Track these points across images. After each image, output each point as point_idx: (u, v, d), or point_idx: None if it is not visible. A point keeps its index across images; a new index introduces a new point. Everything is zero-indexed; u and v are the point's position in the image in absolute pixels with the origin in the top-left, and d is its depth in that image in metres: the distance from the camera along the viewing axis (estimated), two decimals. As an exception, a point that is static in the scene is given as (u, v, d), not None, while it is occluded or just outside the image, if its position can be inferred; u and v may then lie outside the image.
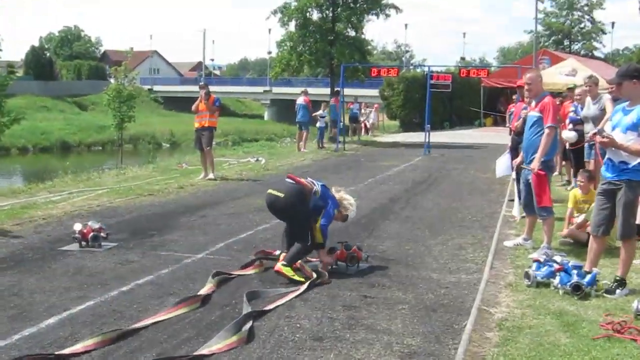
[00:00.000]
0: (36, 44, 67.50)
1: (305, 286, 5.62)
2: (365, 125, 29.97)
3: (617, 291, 5.49)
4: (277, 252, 6.47)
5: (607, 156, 5.64)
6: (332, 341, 4.45)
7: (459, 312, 5.09)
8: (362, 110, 29.72)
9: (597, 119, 9.21)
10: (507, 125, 13.22)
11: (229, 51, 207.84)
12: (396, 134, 31.36)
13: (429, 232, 8.21)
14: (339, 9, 25.30)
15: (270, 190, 6.30)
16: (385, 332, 4.63)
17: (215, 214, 9.34)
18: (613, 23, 66.38)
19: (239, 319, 4.67)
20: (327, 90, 28.53)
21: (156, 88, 66.10)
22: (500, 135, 22.93)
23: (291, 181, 6.27)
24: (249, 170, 15.06)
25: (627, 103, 5.59)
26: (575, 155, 11.10)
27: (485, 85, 34.14)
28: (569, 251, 7.00)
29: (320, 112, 22.16)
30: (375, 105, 33.78)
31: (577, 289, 5.42)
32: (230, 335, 4.40)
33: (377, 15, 26.06)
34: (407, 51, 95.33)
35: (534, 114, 7.06)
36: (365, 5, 25.68)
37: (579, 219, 7.38)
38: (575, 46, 67.18)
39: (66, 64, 70.87)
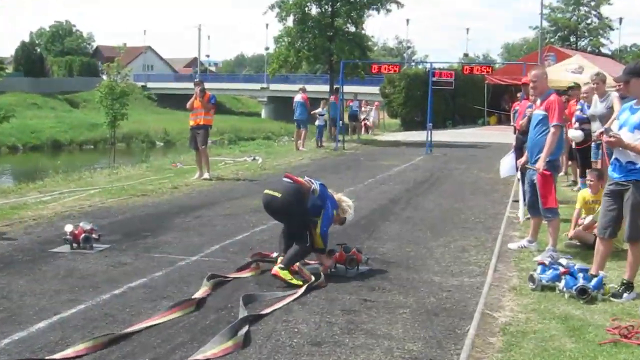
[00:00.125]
0: (26, 39, 67.86)
1: (303, 289, 5.53)
2: (366, 124, 29.89)
3: (624, 295, 5.42)
4: (275, 255, 6.36)
5: (614, 156, 5.56)
6: (331, 346, 4.39)
7: (462, 317, 5.04)
8: (362, 108, 29.64)
9: (604, 118, 9.10)
10: (512, 123, 13.18)
11: (225, 47, 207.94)
12: (397, 133, 31.44)
13: (430, 234, 8.14)
14: (338, 4, 25.16)
15: (266, 190, 6.19)
16: (385, 337, 4.58)
17: (210, 214, 9.25)
18: (621, 19, 66.00)
19: (234, 323, 4.61)
20: (326, 88, 28.42)
21: (150, 85, 66.21)
22: (504, 134, 22.91)
23: (289, 180, 6.15)
24: (245, 170, 14.97)
25: (634, 101, 5.51)
26: (581, 155, 11.00)
27: (489, 82, 33.97)
28: (574, 254, 6.96)
29: (319, 110, 22.08)
30: (376, 103, 33.68)
31: (583, 292, 5.36)
32: (225, 340, 4.35)
33: (378, 10, 25.95)
34: (408, 47, 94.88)
35: (539, 112, 7.00)
36: (365, 0, 25.55)
37: (586, 220, 7.29)
38: (582, 42, 66.81)
39: (57, 60, 70.96)
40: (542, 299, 5.46)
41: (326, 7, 25.27)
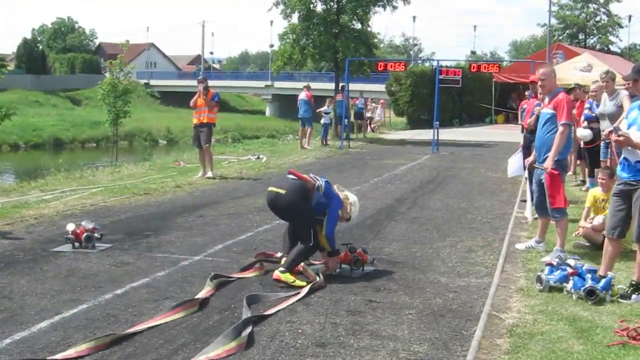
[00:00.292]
0: (28, 36, 67.76)
1: (306, 289, 5.48)
2: (371, 122, 29.82)
3: (633, 296, 5.38)
4: (279, 255, 6.32)
5: (623, 155, 5.52)
6: (336, 347, 4.37)
7: (468, 318, 5.01)
8: (368, 106, 29.57)
9: (613, 116, 9.01)
10: (520, 122, 13.11)
11: (229, 44, 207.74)
12: (403, 131, 31.38)
13: (437, 234, 8.10)
14: (344, 1, 25.01)
15: (270, 187, 6.12)
16: (391, 338, 4.56)
17: (213, 214, 9.20)
18: (630, 16, 65.65)
19: (238, 324, 4.59)
20: (331, 85, 28.37)
21: (153, 82, 66.11)
22: (512, 133, 22.85)
23: (293, 177, 6.09)
24: (249, 169, 14.93)
25: (644, 100, 5.45)
26: (590, 155, 10.93)
27: (497, 80, 33.74)
28: (583, 254, 6.90)
29: (324, 107, 21.99)
30: (382, 101, 33.60)
31: (591, 293, 5.33)
32: (229, 341, 4.33)
33: (384, 7, 25.77)
34: (415, 45, 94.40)
35: (547, 110, 6.93)
36: (371, -3, 25.43)
37: (595, 220, 7.21)
38: (591, 40, 66.22)
39: (59, 57, 70.93)
40: (550, 300, 5.43)
41: (331, 3, 25.17)
